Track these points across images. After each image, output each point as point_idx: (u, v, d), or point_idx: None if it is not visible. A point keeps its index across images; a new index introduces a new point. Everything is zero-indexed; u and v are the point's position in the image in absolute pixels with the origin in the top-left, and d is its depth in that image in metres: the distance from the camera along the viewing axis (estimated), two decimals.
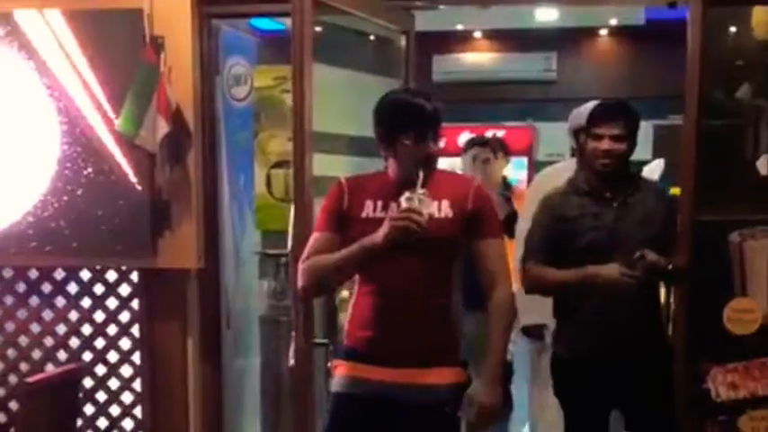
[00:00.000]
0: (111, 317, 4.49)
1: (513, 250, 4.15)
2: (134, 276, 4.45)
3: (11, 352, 4.56)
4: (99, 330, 4.50)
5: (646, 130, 5.98)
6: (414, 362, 3.04)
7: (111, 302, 4.49)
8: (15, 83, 4.36)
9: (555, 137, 9.41)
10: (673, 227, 3.70)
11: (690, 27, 3.96)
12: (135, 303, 4.46)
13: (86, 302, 4.50)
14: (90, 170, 4.32)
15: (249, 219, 4.85)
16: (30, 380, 4.02)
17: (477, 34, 11.77)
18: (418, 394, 3.02)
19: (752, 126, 4.18)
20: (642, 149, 3.97)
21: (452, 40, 11.64)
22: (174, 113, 4.22)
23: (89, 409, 4.51)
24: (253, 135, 4.84)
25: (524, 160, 10.78)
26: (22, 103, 4.37)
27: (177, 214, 4.28)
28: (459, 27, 11.34)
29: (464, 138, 6.73)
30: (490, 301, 3.15)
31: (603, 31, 11.52)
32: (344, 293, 4.19)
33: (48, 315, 4.54)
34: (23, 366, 4.53)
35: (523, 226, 4.17)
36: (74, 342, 4.51)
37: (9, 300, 4.57)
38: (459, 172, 5.14)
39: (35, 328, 4.55)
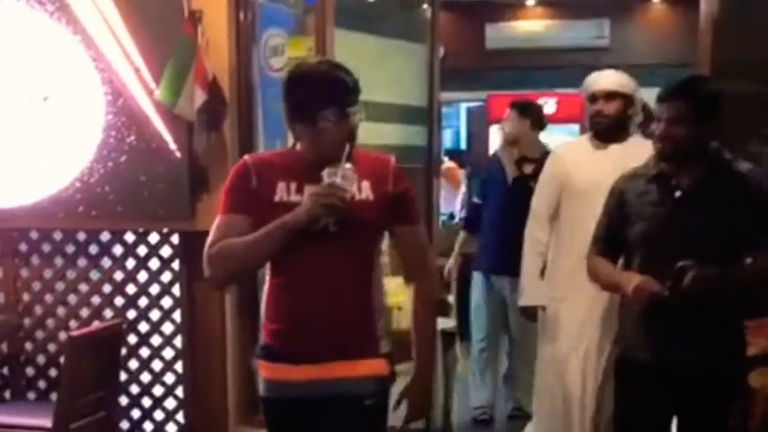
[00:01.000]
0: (154, 277, 4.67)
1: None
2: (174, 238, 4.61)
3: (61, 310, 4.77)
4: (142, 290, 4.68)
5: None
6: (332, 356, 2.78)
7: (154, 263, 4.67)
8: (64, 57, 4.52)
9: None
10: (762, 226, 3.16)
11: None
12: (176, 264, 4.63)
13: (130, 263, 4.69)
14: (132, 138, 4.47)
15: None
16: (74, 333, 4.18)
17: (530, 2, 11.74)
18: (340, 389, 2.78)
19: None
20: None
21: (505, 9, 11.66)
22: (211, 84, 4.34)
23: (133, 364, 4.70)
24: None
25: (576, 127, 10.73)
26: (71, 76, 4.52)
27: (214, 179, 4.35)
28: None
29: None
30: (414, 294, 2.95)
31: None
32: None
33: (95, 275, 4.73)
34: (72, 324, 4.73)
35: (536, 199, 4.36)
36: (119, 301, 4.70)
37: (59, 261, 4.77)
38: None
39: (83, 287, 4.75)
